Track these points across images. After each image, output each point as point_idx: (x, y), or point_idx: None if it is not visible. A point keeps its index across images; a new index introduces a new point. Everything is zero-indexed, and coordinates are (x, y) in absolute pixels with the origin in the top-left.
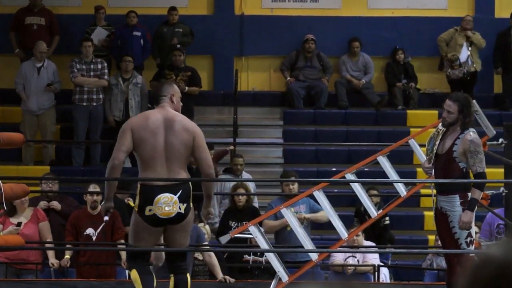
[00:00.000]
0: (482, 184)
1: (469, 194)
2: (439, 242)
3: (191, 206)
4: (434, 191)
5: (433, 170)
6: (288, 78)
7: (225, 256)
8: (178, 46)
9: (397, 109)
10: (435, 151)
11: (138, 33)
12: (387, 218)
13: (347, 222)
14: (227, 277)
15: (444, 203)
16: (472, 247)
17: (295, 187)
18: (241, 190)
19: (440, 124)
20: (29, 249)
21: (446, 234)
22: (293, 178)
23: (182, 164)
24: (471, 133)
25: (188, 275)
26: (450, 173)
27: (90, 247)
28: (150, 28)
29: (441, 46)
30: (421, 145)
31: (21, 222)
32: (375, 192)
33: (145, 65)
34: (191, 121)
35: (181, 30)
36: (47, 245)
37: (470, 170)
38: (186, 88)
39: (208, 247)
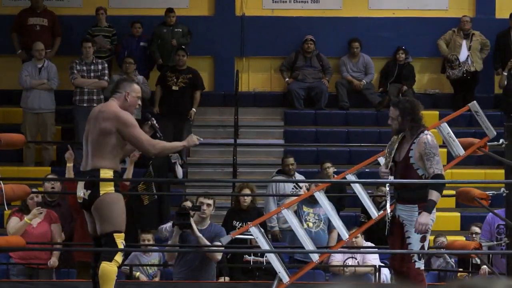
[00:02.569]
0: (440, 186)
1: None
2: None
3: (100, 193)
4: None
5: (391, 177)
6: (287, 79)
7: (226, 257)
8: (183, 46)
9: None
10: (392, 156)
11: (145, 43)
12: None
13: (348, 223)
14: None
15: (402, 212)
16: (422, 261)
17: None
18: (246, 191)
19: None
20: (30, 250)
21: (398, 243)
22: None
23: (98, 152)
24: (428, 136)
25: (104, 263)
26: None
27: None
28: (151, 29)
29: (441, 45)
30: None
31: (41, 203)
32: (385, 190)
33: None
34: (116, 110)
35: (180, 30)
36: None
37: (427, 173)
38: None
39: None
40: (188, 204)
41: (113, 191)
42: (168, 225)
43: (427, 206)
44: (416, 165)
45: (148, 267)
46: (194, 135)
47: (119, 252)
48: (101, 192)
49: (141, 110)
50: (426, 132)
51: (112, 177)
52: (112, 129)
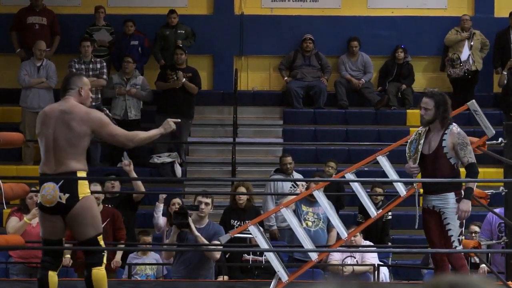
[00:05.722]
0: (476, 173)
1: (463, 191)
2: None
3: (79, 197)
4: (421, 190)
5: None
6: (286, 78)
7: (225, 256)
8: (180, 45)
9: (390, 109)
10: (420, 151)
11: (136, 42)
12: (389, 213)
13: (347, 222)
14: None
15: (437, 202)
16: (461, 246)
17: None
18: (242, 189)
19: (421, 127)
20: (29, 249)
21: (437, 233)
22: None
23: (71, 155)
24: (457, 127)
25: (96, 269)
26: (441, 171)
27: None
28: (149, 28)
29: (449, 37)
30: None
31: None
32: (379, 190)
33: (148, 66)
34: (87, 111)
35: (183, 31)
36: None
37: (461, 162)
38: (184, 79)
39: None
40: (178, 201)
41: (89, 194)
42: (158, 210)
43: (466, 193)
44: (449, 154)
45: (143, 271)
46: (170, 119)
47: (104, 254)
48: (80, 196)
49: (131, 111)
50: (454, 124)
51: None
52: (88, 131)
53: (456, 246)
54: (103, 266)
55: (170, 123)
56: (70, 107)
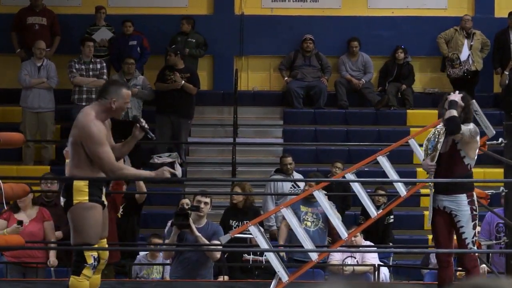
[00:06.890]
0: (455, 125)
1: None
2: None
3: (73, 203)
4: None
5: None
6: (286, 78)
7: (225, 256)
8: (173, 46)
9: (390, 109)
10: (439, 150)
11: (134, 42)
12: (391, 216)
13: (347, 222)
14: None
15: (449, 203)
16: (475, 247)
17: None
18: (237, 189)
19: (441, 124)
20: (29, 249)
21: (445, 233)
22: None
23: (73, 161)
24: (474, 125)
25: (72, 278)
26: (455, 171)
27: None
28: (148, 29)
29: (440, 43)
30: (421, 145)
31: (22, 221)
32: (382, 192)
33: (148, 66)
34: (84, 118)
35: (194, 40)
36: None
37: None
38: (183, 82)
39: (208, 247)
40: (187, 201)
41: (87, 201)
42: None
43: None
44: (462, 152)
45: (150, 275)
46: (167, 169)
47: (88, 266)
48: (74, 202)
49: (132, 112)
50: (472, 123)
51: (86, 186)
52: (78, 141)
53: (471, 248)
54: (82, 277)
55: (165, 173)
56: (82, 114)
